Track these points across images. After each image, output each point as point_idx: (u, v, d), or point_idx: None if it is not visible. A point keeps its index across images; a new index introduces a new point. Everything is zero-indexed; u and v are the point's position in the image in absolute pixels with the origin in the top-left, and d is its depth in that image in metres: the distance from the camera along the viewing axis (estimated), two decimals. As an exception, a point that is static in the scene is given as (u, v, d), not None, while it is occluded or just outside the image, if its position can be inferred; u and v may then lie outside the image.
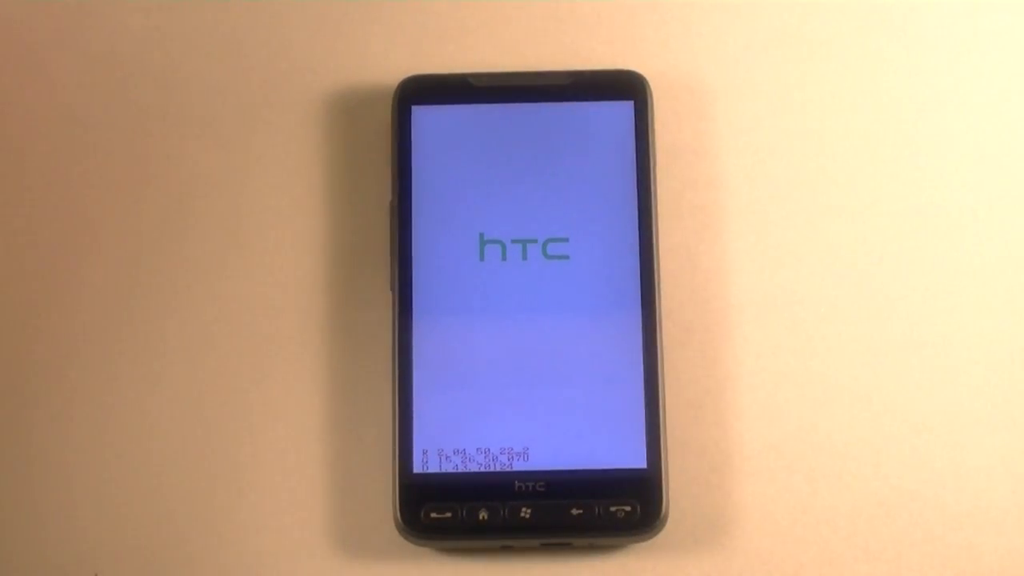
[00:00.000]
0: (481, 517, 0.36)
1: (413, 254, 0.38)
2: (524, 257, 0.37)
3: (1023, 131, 0.40)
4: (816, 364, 0.39)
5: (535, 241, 0.37)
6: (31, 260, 0.39)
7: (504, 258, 0.38)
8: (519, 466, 0.36)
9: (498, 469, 0.36)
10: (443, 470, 0.36)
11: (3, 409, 0.38)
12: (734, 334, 0.39)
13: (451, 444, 0.36)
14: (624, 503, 0.36)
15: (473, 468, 0.36)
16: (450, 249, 0.37)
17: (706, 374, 0.38)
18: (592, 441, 0.36)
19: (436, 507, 0.36)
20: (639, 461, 0.36)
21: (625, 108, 0.38)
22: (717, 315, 0.39)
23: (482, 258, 0.37)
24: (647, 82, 0.39)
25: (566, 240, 0.38)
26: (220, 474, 0.38)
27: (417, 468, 0.36)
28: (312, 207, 0.39)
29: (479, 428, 0.37)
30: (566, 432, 0.36)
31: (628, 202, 0.38)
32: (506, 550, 0.37)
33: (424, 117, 0.38)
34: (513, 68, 0.40)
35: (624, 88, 0.39)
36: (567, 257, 0.37)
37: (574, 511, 0.36)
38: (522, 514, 0.36)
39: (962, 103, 0.41)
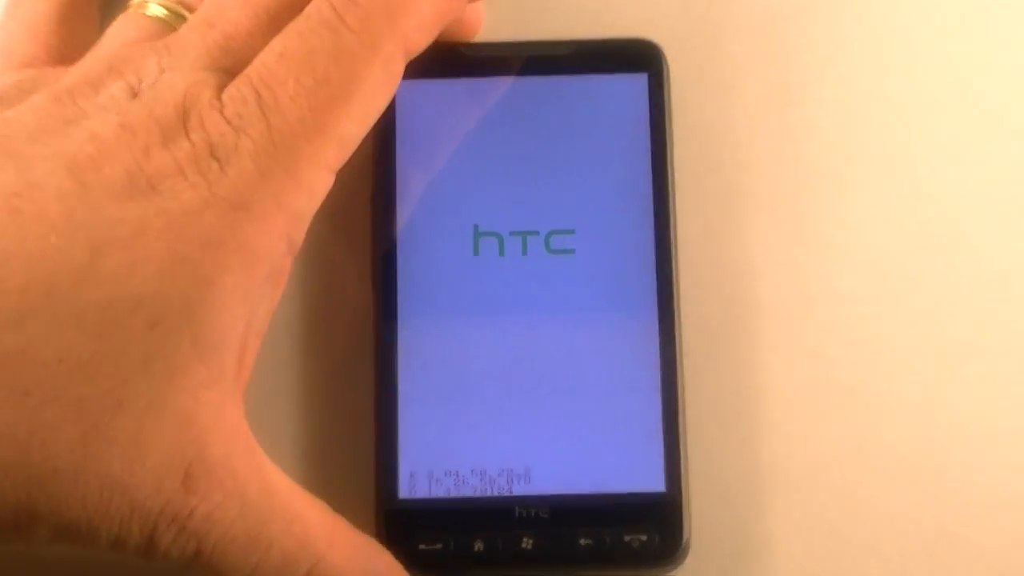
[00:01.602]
0: (477, 548, 0.35)
1: (397, 247, 0.36)
2: (524, 252, 0.36)
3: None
4: (858, 372, 0.37)
5: (536, 234, 0.36)
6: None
7: (501, 253, 0.36)
8: (520, 490, 0.35)
9: (496, 493, 0.35)
10: (433, 495, 0.35)
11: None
12: (764, 338, 0.37)
13: (442, 465, 0.35)
14: (640, 531, 0.35)
15: (467, 492, 0.35)
16: (440, 242, 0.36)
17: (732, 383, 0.37)
18: (603, 461, 0.35)
19: (426, 537, 0.35)
20: (657, 483, 0.35)
21: (638, 81, 0.37)
22: (744, 316, 0.38)
23: (476, 252, 0.36)
24: (663, 52, 0.37)
25: (572, 232, 0.36)
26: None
27: (403, 493, 0.35)
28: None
29: (474, 446, 0.35)
30: (573, 451, 0.35)
31: (642, 188, 0.37)
32: (506, 586, 0.36)
33: (409, 92, 0.37)
34: (511, 38, 0.38)
35: (637, 59, 0.37)
36: (573, 251, 0.36)
37: (583, 541, 0.35)
38: (523, 544, 0.35)
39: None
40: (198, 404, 0.29)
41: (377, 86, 0.32)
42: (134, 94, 0.31)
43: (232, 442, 0.30)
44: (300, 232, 0.31)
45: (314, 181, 0.31)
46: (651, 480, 0.35)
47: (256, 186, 0.30)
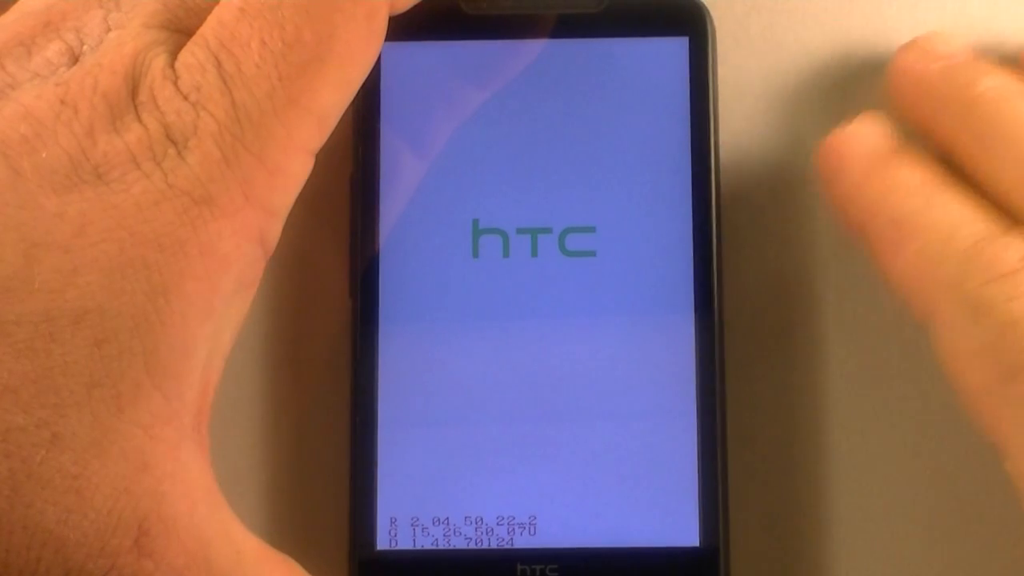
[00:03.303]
0: (470, 613, 0.35)
1: (380, 247, 0.35)
2: (534, 253, 0.35)
3: None
4: (938, 391, 0.35)
5: (549, 231, 0.34)
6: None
7: (506, 254, 0.35)
8: (523, 542, 0.33)
9: (494, 546, 0.34)
10: (418, 546, 0.34)
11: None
12: (823, 353, 0.35)
13: (429, 510, 0.34)
14: (669, 595, 0.35)
15: (460, 544, 0.34)
16: (432, 241, 0.35)
17: (783, 408, 0.35)
18: (624, 509, 0.34)
19: (408, 598, 0.35)
20: (689, 536, 0.33)
21: (677, 46, 0.35)
22: (800, 326, 0.36)
23: (476, 254, 0.35)
24: (707, 11, 0.35)
25: (592, 230, 0.34)
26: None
27: (382, 543, 0.34)
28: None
29: (468, 488, 0.34)
30: (588, 496, 0.34)
31: (679, 176, 0.35)
32: (505, 658, 0.35)
33: (397, 58, 0.35)
34: (524, -8, 0.37)
35: (677, 19, 0.35)
36: (593, 253, 0.34)
37: (599, 606, 0.35)
38: (527, 610, 0.35)
39: None
40: (154, 443, 0.27)
41: (359, 46, 0.30)
42: (74, 58, 0.29)
43: (195, 493, 0.28)
44: (275, 230, 0.30)
45: (289, 167, 0.29)
46: (683, 532, 0.33)
47: (221, 175, 0.28)
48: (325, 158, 0.34)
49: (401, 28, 0.33)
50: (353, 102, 0.33)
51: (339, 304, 0.35)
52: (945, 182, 0.33)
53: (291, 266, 0.36)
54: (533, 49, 0.36)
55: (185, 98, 0.28)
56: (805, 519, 0.35)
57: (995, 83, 0.32)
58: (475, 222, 0.35)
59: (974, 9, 0.37)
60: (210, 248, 0.28)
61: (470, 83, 0.35)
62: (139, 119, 0.28)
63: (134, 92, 0.29)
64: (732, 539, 0.33)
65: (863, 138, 0.33)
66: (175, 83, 0.29)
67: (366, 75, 0.31)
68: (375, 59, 0.31)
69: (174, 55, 0.29)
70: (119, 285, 0.27)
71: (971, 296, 0.30)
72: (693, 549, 0.33)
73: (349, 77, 0.30)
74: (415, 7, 0.33)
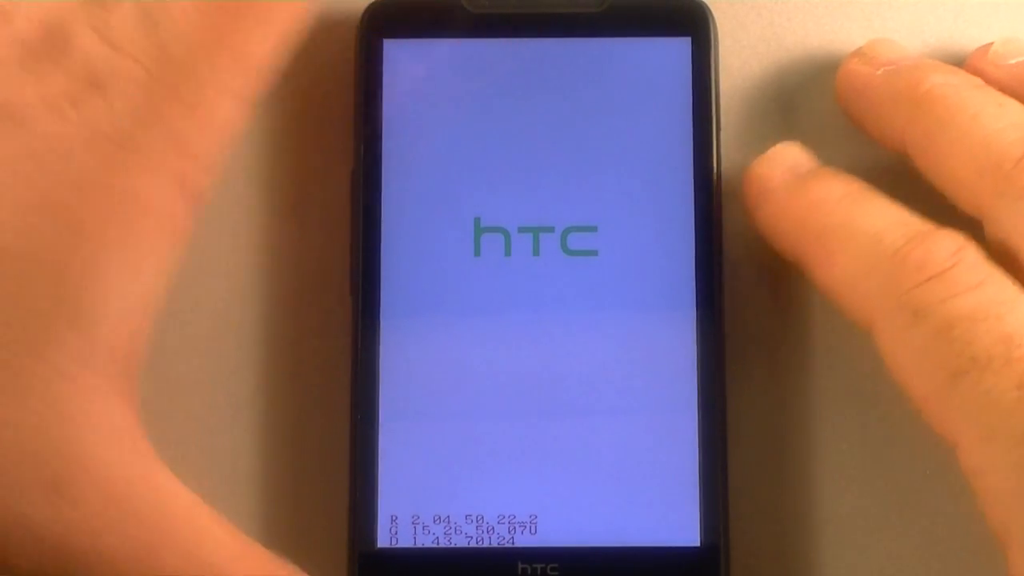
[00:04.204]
0: (471, 611, 0.35)
1: (382, 244, 0.34)
2: (536, 252, 0.34)
3: None
4: None
5: (551, 230, 0.34)
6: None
7: (508, 253, 0.34)
8: (524, 541, 0.33)
9: (495, 545, 0.33)
10: (419, 544, 0.33)
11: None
12: (823, 351, 0.35)
13: (430, 508, 0.33)
14: (669, 594, 0.34)
15: (460, 543, 0.33)
16: (433, 239, 0.34)
17: (784, 407, 0.35)
18: (625, 508, 0.33)
19: (408, 596, 0.35)
20: (690, 536, 0.33)
21: (680, 47, 0.35)
22: (801, 325, 0.35)
23: (477, 252, 0.34)
24: (710, 11, 0.35)
25: (594, 229, 0.34)
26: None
27: (383, 541, 0.33)
28: (248, 177, 0.36)
29: (469, 487, 0.33)
30: (590, 495, 0.33)
31: (682, 177, 0.34)
32: (506, 658, 0.35)
33: (400, 55, 0.35)
34: (527, -10, 0.37)
35: (679, 19, 0.35)
36: (595, 252, 0.34)
37: (600, 605, 0.35)
38: (528, 608, 0.35)
39: None
40: (70, 386, 0.27)
41: None
42: None
43: (118, 439, 0.28)
44: (200, 176, 0.30)
45: (217, 112, 0.29)
46: (683, 532, 0.33)
47: (142, 119, 0.28)
48: (324, 156, 0.34)
49: (404, 25, 0.33)
50: (355, 98, 0.33)
51: (339, 301, 0.35)
52: (866, 192, 0.32)
53: (291, 262, 0.36)
54: (535, 48, 0.35)
55: (108, 43, 0.28)
56: (806, 519, 0.35)
57: (941, 79, 0.32)
58: (477, 220, 0.35)
59: (974, 9, 0.37)
60: (131, 193, 0.28)
61: (472, 81, 0.35)
62: (60, 62, 0.28)
63: (54, 38, 0.28)
64: (732, 539, 0.33)
65: (781, 162, 0.33)
66: (98, 28, 0.28)
67: (299, 22, 0.30)
68: (305, 12, 0.31)
69: (97, 3, 0.29)
70: (36, 227, 0.27)
71: (906, 301, 0.29)
72: (693, 548, 0.33)
73: (279, 20, 0.30)
74: (416, 2, 0.33)
